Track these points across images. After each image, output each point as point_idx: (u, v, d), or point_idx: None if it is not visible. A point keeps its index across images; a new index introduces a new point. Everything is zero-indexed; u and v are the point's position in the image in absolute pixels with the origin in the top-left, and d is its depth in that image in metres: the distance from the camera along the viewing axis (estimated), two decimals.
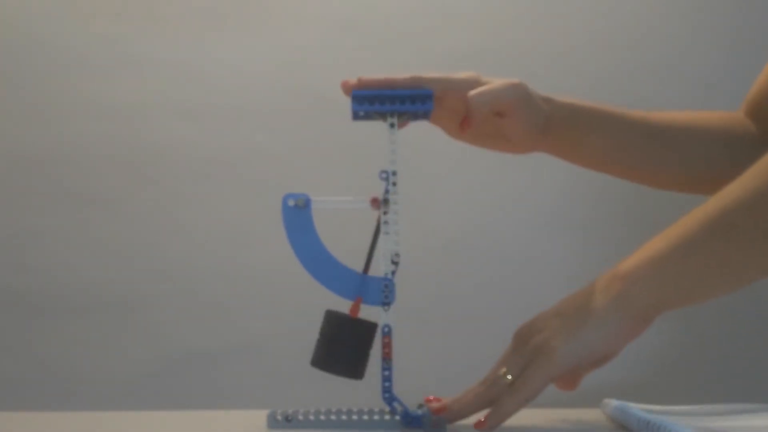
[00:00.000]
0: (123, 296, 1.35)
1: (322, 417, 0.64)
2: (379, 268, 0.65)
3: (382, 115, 0.64)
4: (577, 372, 0.63)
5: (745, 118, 0.80)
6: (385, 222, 0.64)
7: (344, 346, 0.64)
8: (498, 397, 0.61)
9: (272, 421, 0.64)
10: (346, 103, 0.64)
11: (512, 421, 0.61)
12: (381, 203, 0.64)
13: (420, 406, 0.66)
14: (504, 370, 0.62)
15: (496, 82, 0.72)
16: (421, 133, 0.80)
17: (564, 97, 0.78)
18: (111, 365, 1.34)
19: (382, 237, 0.64)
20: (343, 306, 0.65)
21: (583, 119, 0.76)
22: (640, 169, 0.79)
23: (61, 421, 0.71)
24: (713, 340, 1.40)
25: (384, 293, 0.63)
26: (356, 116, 0.65)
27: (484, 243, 1.29)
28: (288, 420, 0.64)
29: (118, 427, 0.68)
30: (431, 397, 0.67)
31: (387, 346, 0.64)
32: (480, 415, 0.62)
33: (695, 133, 0.77)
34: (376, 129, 0.68)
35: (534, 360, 0.60)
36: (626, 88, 1.41)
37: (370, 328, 0.65)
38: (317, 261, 0.64)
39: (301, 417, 0.64)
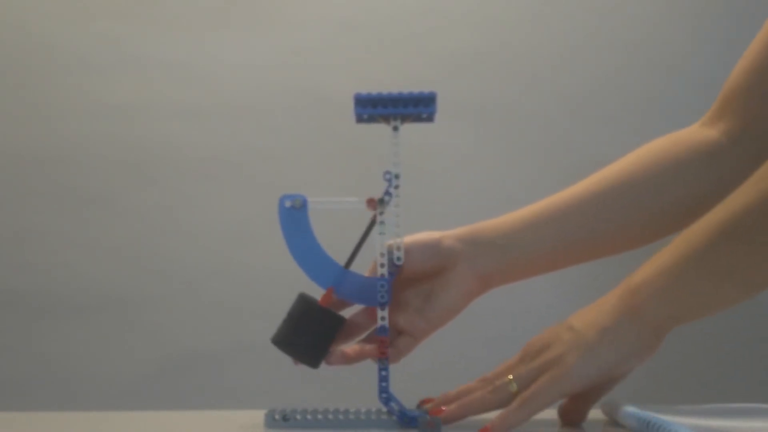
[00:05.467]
0: (123, 296, 1.35)
1: (320, 416, 0.63)
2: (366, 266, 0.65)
3: (385, 118, 0.64)
4: (586, 398, 0.63)
5: (698, 130, 0.75)
6: (381, 222, 0.64)
7: (307, 332, 0.64)
8: (500, 403, 0.61)
9: (270, 420, 0.64)
10: (346, 103, 0.64)
11: None
12: (377, 203, 0.64)
13: (419, 407, 0.66)
14: (510, 377, 0.61)
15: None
16: (422, 134, 0.80)
17: (494, 226, 0.72)
18: (111, 365, 1.34)
19: (377, 237, 0.64)
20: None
21: (526, 243, 0.70)
22: (613, 243, 0.72)
23: (62, 421, 0.71)
24: (713, 340, 1.39)
25: (380, 293, 0.63)
26: (359, 119, 0.65)
27: None
28: (285, 419, 0.64)
29: (118, 427, 0.68)
30: (427, 399, 0.67)
31: (383, 346, 0.63)
32: (479, 419, 0.61)
33: (651, 177, 0.71)
34: (376, 129, 0.68)
35: (546, 374, 0.59)
36: (627, 88, 1.41)
37: (336, 320, 0.64)
38: (314, 262, 0.64)
39: (298, 416, 0.64)
